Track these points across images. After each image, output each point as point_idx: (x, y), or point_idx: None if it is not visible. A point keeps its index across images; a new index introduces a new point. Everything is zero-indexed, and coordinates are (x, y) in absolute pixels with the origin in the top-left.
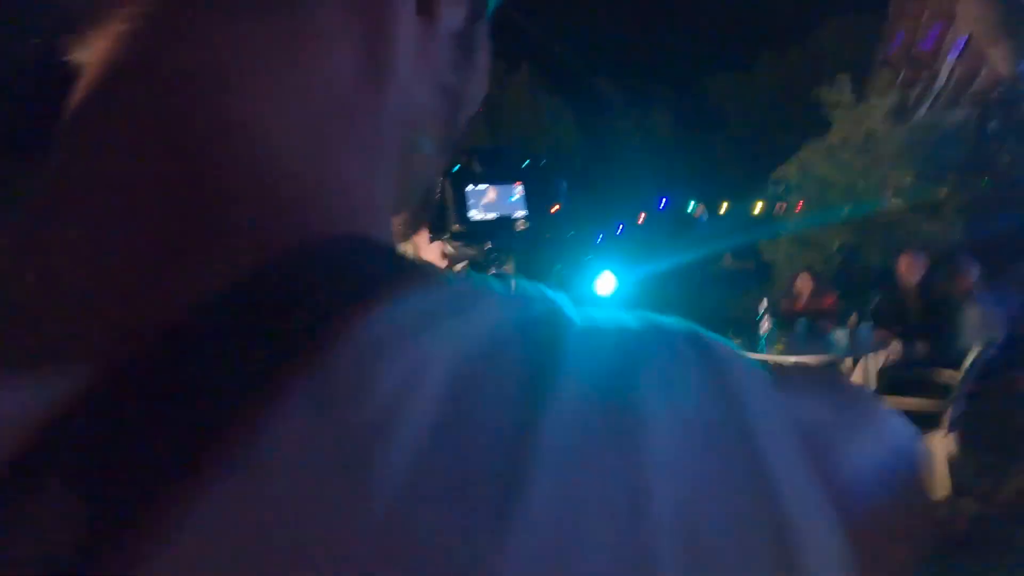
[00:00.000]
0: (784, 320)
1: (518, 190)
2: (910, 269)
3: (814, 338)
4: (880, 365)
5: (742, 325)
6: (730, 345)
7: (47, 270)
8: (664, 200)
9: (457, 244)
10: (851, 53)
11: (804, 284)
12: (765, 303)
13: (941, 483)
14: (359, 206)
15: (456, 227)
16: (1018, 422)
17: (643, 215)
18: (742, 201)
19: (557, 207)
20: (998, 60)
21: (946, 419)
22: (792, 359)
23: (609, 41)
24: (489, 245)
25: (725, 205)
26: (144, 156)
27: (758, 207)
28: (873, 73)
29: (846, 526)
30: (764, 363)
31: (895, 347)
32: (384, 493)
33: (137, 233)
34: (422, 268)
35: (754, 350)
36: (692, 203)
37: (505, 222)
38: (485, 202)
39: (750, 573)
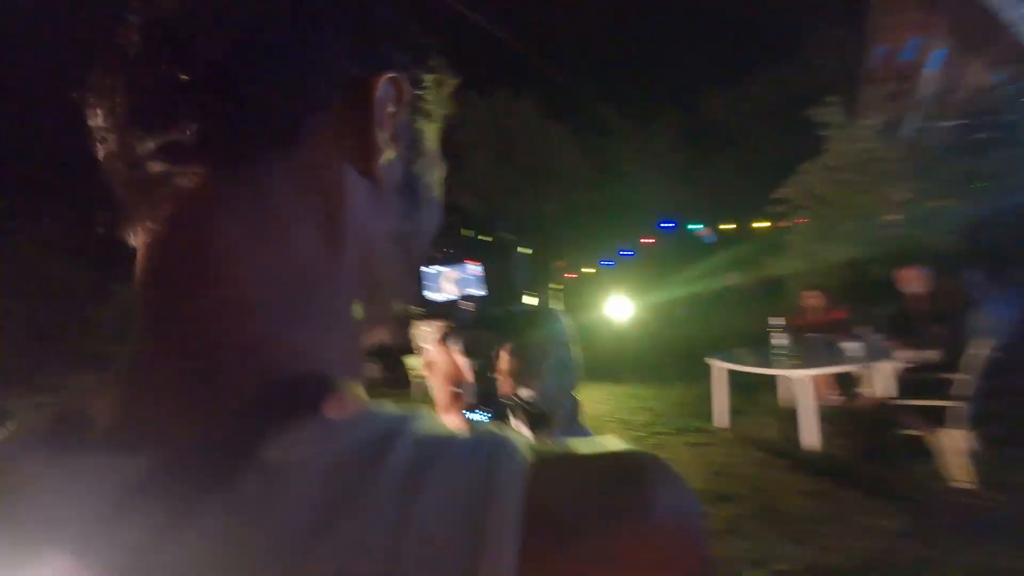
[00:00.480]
0: (797, 335)
1: (475, 269)
2: (913, 281)
3: (828, 351)
4: (894, 372)
5: (753, 341)
6: (524, 449)
7: (140, 392)
8: (670, 223)
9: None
10: (838, 69)
11: (814, 300)
12: (778, 320)
13: (963, 476)
14: (318, 356)
15: (415, 308)
16: None
17: (651, 238)
18: (745, 220)
19: (517, 283)
20: (976, 71)
21: (963, 417)
22: (813, 372)
23: (610, 66)
24: (449, 323)
25: (729, 225)
26: (187, 328)
27: (761, 226)
28: (860, 90)
29: None
30: (547, 453)
31: (907, 354)
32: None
33: (183, 370)
34: (327, 401)
35: (768, 365)
36: (698, 224)
37: (460, 301)
38: (443, 282)
39: None
